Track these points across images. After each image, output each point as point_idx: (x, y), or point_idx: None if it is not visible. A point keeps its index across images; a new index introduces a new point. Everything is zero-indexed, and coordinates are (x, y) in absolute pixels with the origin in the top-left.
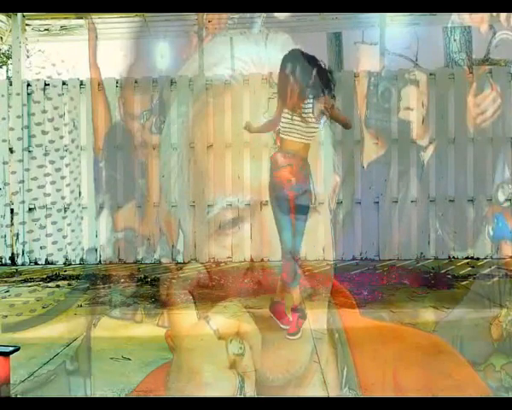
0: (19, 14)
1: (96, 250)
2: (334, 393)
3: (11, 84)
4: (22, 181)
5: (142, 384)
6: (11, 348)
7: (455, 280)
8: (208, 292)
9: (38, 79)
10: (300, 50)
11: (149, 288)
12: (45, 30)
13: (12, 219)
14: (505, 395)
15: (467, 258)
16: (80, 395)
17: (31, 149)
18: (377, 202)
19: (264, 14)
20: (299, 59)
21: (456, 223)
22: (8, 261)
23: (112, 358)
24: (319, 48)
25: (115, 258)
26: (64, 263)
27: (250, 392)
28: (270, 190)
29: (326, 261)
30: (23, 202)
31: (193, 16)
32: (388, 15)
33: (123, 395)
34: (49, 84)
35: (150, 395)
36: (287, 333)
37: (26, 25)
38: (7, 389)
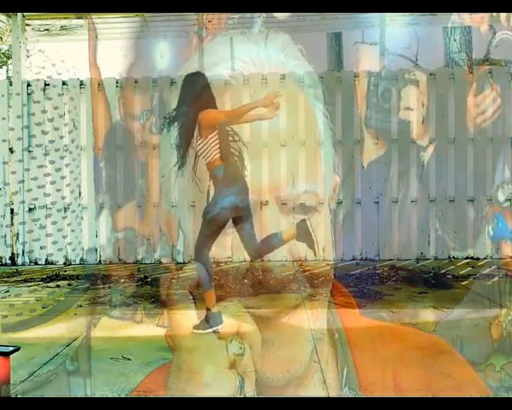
0: (19, 14)
1: (96, 250)
2: (334, 393)
3: (11, 84)
4: (22, 181)
5: (142, 384)
6: (11, 348)
7: (455, 280)
8: None
9: (38, 79)
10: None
11: (149, 288)
12: (45, 30)
13: (12, 219)
14: (505, 395)
15: (467, 258)
16: (80, 395)
17: (31, 149)
18: (377, 202)
19: (264, 14)
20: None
21: (456, 223)
22: (8, 261)
23: (112, 358)
24: (319, 48)
25: (115, 258)
26: (64, 263)
27: (250, 392)
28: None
29: (326, 261)
30: (23, 202)
31: (193, 16)
32: (388, 15)
33: (123, 395)
34: (49, 84)
35: (150, 395)
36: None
37: (26, 25)
38: (7, 389)
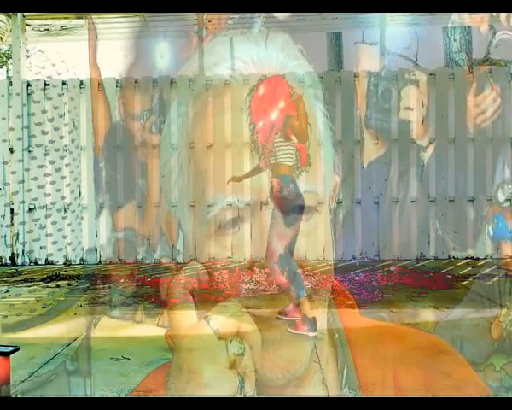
0: (19, 14)
1: (96, 250)
2: (334, 393)
3: (11, 84)
4: (22, 181)
5: (142, 384)
6: (11, 348)
7: (455, 280)
8: (208, 292)
9: (38, 79)
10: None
11: (149, 288)
12: (45, 30)
13: (12, 219)
14: (505, 395)
15: (467, 258)
16: (80, 395)
17: (31, 149)
18: (377, 202)
19: (264, 14)
20: None
21: (456, 223)
22: (8, 261)
23: (112, 358)
24: (319, 48)
25: (115, 258)
26: (64, 263)
27: (250, 392)
28: None
29: (326, 261)
30: (23, 202)
31: (193, 16)
32: (388, 15)
33: (123, 395)
34: (49, 84)
35: (150, 395)
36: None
37: (26, 25)
38: (7, 389)
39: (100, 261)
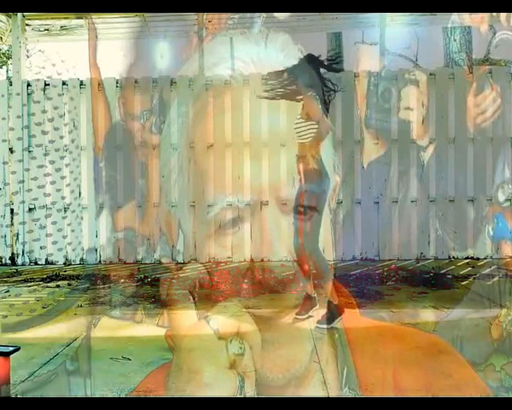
0: (19, 14)
1: (96, 250)
2: (334, 393)
3: (11, 84)
4: (22, 181)
5: (142, 384)
6: (11, 348)
7: (455, 280)
8: (208, 292)
9: (38, 79)
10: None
11: (149, 288)
12: (45, 30)
13: (12, 219)
14: (505, 395)
15: (467, 258)
16: (80, 395)
17: (31, 149)
18: (377, 202)
19: (264, 14)
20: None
21: (456, 223)
22: (8, 261)
23: (112, 358)
24: (319, 48)
25: (115, 258)
26: (64, 263)
27: (250, 392)
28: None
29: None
30: (23, 202)
31: (193, 16)
32: (388, 15)
33: (123, 395)
34: (49, 84)
35: (150, 395)
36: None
37: (26, 25)
38: (7, 389)
39: (100, 261)
